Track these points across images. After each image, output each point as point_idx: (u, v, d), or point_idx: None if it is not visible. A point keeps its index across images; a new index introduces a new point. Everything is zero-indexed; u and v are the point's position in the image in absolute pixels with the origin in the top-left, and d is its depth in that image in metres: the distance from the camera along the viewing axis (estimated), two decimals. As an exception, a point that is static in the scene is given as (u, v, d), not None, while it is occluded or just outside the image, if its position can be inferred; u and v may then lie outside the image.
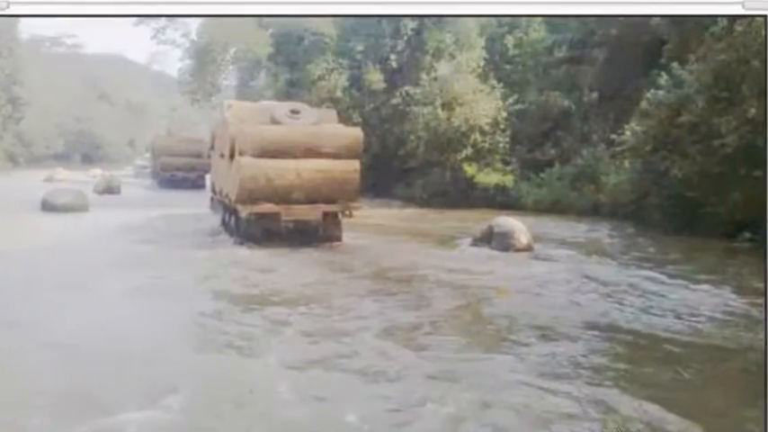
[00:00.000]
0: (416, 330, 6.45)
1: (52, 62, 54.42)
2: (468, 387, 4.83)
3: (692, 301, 7.66)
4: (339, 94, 23.05)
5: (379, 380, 5.03)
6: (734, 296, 7.92)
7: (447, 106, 20.99)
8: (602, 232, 14.71)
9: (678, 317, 6.95)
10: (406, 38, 23.34)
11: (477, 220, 13.45)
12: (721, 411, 4.66)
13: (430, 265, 9.91)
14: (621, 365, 5.49)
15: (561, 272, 9.56)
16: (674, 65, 14.17)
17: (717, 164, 12.53)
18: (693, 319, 6.89)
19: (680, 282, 8.77)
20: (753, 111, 11.53)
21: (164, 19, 24.97)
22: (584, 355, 5.65)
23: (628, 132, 15.52)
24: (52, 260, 9.90)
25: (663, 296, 7.96)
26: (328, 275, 9.19)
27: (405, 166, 22.51)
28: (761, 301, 7.51)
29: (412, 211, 19.07)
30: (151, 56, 71.14)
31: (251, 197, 10.94)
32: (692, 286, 8.50)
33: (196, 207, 16.51)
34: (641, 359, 5.68)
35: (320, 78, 23.15)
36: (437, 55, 22.98)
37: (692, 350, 5.90)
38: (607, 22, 18.94)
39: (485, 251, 11.17)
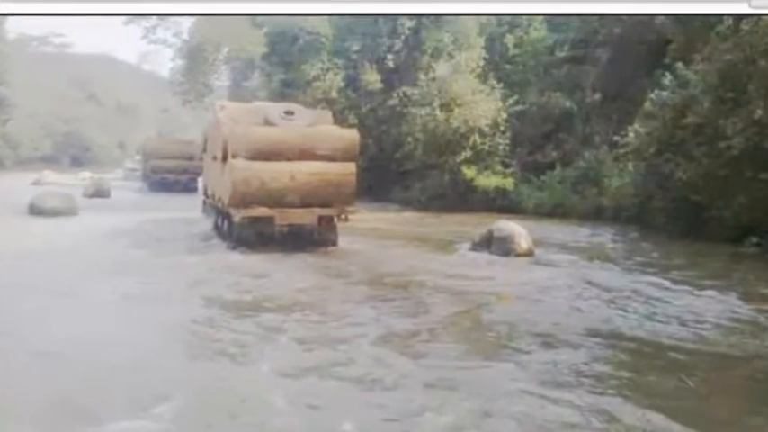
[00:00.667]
0: (414, 337, 6.38)
1: (40, 62, 54.26)
2: (468, 396, 4.77)
3: (696, 308, 7.59)
4: (335, 94, 23.02)
5: (375, 388, 4.97)
6: (740, 302, 7.87)
7: (445, 107, 20.83)
8: (605, 237, 14.70)
9: (683, 324, 6.89)
10: (403, 37, 23.30)
11: (477, 225, 13.41)
12: (726, 420, 4.63)
13: (428, 271, 9.85)
14: (625, 373, 5.42)
15: (563, 277, 9.48)
16: (679, 65, 14.11)
17: (722, 166, 12.42)
18: (698, 325, 6.83)
19: (684, 287, 8.70)
20: (759, 112, 11.45)
21: (154, 18, 24.84)
22: (586, 363, 5.58)
23: (631, 134, 15.49)
24: (40, 265, 9.77)
25: (667, 302, 7.89)
26: (323, 281, 9.10)
27: (402, 169, 22.43)
28: (767, 307, 7.44)
29: (409, 215, 19.05)
30: (142, 56, 71.44)
31: (244, 200, 10.81)
32: (696, 292, 8.42)
33: (188, 211, 16.38)
34: (645, 367, 5.61)
35: (315, 79, 23.12)
36: (435, 55, 22.91)
37: (697, 358, 5.85)
38: (610, 20, 18.89)
39: (484, 256, 11.12)
